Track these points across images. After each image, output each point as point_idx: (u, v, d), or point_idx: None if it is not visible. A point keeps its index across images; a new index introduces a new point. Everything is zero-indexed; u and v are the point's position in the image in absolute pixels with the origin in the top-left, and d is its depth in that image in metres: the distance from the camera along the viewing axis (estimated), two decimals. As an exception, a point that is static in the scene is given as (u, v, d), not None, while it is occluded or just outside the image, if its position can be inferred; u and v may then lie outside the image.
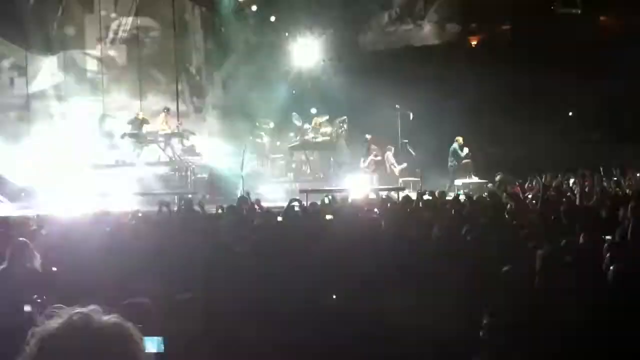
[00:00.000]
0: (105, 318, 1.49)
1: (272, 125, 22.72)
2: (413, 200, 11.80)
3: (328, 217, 9.22)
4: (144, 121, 19.36)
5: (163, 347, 2.71)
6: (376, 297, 3.92)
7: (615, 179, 14.96)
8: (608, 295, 3.93)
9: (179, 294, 3.78)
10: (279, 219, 8.94)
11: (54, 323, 1.46)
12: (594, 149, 19.57)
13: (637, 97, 20.64)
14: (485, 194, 13.77)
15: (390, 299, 3.91)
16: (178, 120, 20.74)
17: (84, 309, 1.49)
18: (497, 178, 17.49)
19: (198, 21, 24.10)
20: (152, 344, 2.63)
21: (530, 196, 12.98)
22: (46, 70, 20.54)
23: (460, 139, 19.46)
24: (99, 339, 1.44)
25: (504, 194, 12.30)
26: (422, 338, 3.49)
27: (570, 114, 22.92)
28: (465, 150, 19.48)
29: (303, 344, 3.45)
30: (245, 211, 10.36)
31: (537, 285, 4.28)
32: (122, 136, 19.24)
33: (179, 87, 22.65)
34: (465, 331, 3.59)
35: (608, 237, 6.11)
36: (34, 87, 20.51)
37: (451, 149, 19.56)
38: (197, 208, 10.91)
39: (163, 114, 20.03)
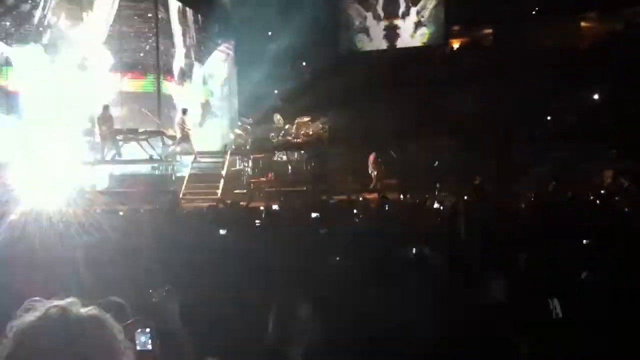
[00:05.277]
0: (83, 310, 1.49)
1: (251, 123, 22.71)
2: (392, 203, 11.84)
3: (314, 215, 9.22)
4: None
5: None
6: (359, 296, 3.94)
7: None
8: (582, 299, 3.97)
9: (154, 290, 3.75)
10: (257, 222, 8.88)
11: (31, 316, 1.45)
12: (571, 154, 19.77)
13: (617, 102, 20.90)
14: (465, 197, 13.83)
15: (371, 298, 3.93)
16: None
17: (61, 302, 1.49)
18: (476, 182, 17.61)
19: (177, 17, 23.82)
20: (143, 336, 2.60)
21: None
22: (27, 65, 20.31)
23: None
24: (77, 331, 1.44)
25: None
26: (403, 337, 3.51)
27: (549, 118, 23.13)
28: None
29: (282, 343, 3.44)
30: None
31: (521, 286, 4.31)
32: (101, 133, 19.02)
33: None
34: (442, 330, 3.61)
35: (585, 241, 6.16)
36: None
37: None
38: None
39: (180, 115, 19.70)
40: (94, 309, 1.51)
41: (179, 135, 19.18)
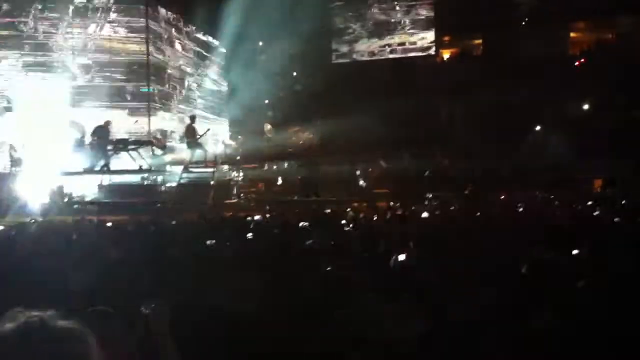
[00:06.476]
0: (62, 323, 1.48)
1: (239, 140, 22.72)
2: (381, 212, 11.86)
3: (302, 224, 9.20)
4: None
5: None
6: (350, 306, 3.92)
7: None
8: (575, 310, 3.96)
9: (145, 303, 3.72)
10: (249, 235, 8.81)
11: (10, 324, 1.44)
12: (561, 163, 19.87)
13: (606, 111, 21.04)
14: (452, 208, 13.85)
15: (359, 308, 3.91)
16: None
17: (41, 313, 1.48)
18: (467, 191, 17.66)
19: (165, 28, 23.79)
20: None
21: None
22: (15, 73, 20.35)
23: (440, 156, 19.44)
24: (54, 342, 1.43)
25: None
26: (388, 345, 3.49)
27: (538, 128, 23.25)
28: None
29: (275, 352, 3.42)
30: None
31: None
32: (91, 143, 18.89)
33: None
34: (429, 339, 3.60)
35: (575, 252, 6.14)
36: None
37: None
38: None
39: (188, 122, 19.56)
40: (73, 322, 1.50)
41: (188, 141, 19.13)
